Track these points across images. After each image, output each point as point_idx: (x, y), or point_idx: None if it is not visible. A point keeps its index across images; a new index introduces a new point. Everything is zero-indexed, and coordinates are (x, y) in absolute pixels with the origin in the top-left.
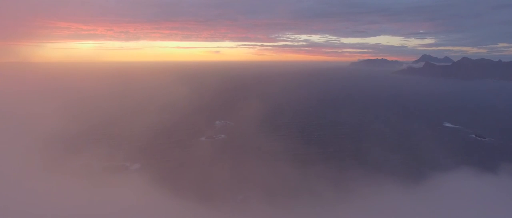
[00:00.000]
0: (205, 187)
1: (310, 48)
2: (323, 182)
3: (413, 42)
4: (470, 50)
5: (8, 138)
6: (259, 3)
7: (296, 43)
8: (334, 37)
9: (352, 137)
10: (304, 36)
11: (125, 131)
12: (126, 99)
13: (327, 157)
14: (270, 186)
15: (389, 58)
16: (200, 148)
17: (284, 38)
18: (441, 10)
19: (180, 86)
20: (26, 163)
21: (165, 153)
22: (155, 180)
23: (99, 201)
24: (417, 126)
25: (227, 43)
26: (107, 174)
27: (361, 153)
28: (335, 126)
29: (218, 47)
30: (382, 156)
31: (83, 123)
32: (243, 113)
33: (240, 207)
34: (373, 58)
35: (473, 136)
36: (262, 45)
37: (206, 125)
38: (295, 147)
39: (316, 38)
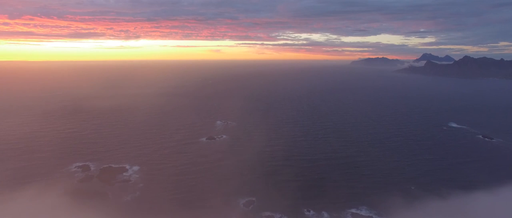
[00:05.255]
0: (206, 190)
1: (311, 47)
2: (327, 186)
3: (413, 41)
4: (471, 49)
5: None
6: (259, 2)
7: (296, 42)
8: (335, 36)
9: (357, 139)
10: (304, 35)
11: (124, 131)
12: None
13: (332, 161)
14: (274, 189)
15: (390, 57)
16: (200, 149)
17: (285, 37)
18: (441, 8)
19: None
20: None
21: (165, 154)
22: (155, 183)
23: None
24: (423, 126)
25: (228, 42)
26: (105, 176)
27: (367, 157)
28: (339, 127)
29: (218, 46)
30: (389, 160)
31: (76, 122)
32: (245, 112)
33: (243, 211)
34: (373, 57)
35: (480, 136)
36: (262, 44)
37: (207, 125)
38: (299, 149)
39: (316, 37)
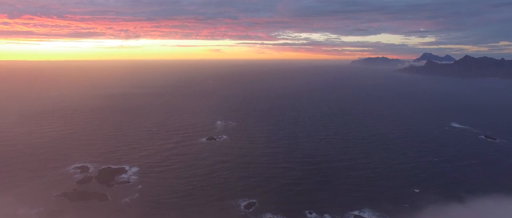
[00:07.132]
0: (207, 192)
1: (311, 47)
2: (329, 188)
3: (413, 40)
4: (471, 49)
5: None
6: (259, 1)
7: (296, 42)
8: (335, 36)
9: (359, 140)
10: (304, 35)
11: (124, 131)
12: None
13: (334, 163)
14: (275, 191)
15: (390, 56)
16: (200, 150)
17: (285, 37)
18: (441, 8)
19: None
20: None
21: (165, 155)
22: (154, 184)
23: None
24: (425, 127)
25: (228, 42)
26: (104, 177)
27: (369, 159)
28: (341, 127)
29: (218, 45)
30: (392, 162)
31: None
32: (245, 112)
33: (244, 213)
34: (374, 56)
35: (483, 137)
36: (262, 44)
37: (207, 125)
38: (300, 150)
39: (316, 36)
